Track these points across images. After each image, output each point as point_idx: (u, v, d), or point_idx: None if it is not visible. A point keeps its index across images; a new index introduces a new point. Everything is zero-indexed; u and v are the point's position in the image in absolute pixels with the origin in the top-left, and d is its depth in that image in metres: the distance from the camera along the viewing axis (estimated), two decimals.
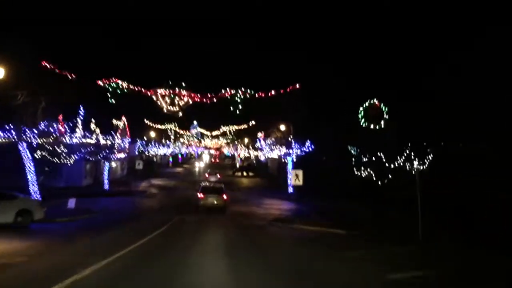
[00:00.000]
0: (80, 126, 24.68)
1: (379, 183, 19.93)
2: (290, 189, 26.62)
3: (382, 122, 19.17)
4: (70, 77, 18.66)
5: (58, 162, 22.44)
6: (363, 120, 19.27)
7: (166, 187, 34.21)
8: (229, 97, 20.21)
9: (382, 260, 9.57)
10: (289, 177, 27.67)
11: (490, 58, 20.87)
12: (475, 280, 7.97)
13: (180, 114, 21.02)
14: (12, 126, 15.79)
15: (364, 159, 20.22)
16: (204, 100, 20.54)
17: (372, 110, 19.13)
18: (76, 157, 24.23)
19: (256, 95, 20.76)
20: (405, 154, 18.11)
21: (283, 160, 33.09)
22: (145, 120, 45.92)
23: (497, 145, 19.80)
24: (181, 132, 64.70)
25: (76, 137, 24.10)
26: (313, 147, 26.26)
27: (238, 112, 20.64)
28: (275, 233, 14.85)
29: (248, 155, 62.66)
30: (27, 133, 16.17)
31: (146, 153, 49.56)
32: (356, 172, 21.12)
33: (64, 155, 22.44)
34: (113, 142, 30.96)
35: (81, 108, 23.14)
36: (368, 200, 20.46)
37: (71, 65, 23.07)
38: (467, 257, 10.40)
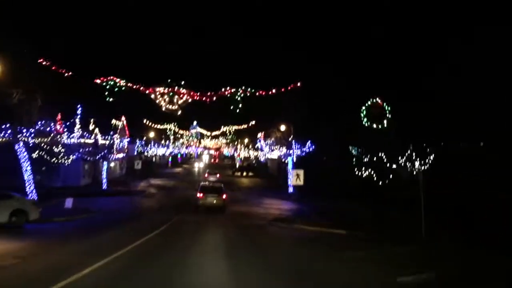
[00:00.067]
0: (78, 126, 24.51)
1: (380, 183, 19.81)
2: (290, 189, 26.51)
3: (385, 122, 19.01)
4: (67, 75, 18.42)
5: (56, 162, 22.27)
6: (365, 119, 19.13)
7: (165, 187, 34.07)
8: (229, 96, 20.00)
9: (383, 261, 9.47)
10: (289, 177, 27.57)
11: (490, 58, 20.84)
12: (475, 280, 7.95)
13: (179, 112, 20.78)
14: (8, 125, 15.60)
15: (365, 159, 20.08)
16: (204, 98, 20.34)
17: (375, 109, 18.99)
18: (74, 157, 24.08)
19: (257, 94, 20.56)
20: (406, 154, 17.98)
21: (283, 160, 32.99)
22: (144, 120, 45.77)
23: (497, 145, 19.75)
24: (181, 132, 64.53)
25: (74, 137, 23.93)
26: (313, 147, 26.16)
27: (238, 111, 20.43)
28: (275, 233, 14.75)
29: (248, 155, 62.53)
30: (23, 132, 15.98)
31: (145, 153, 49.41)
32: (356, 172, 20.99)
33: (62, 154, 22.28)
34: (112, 142, 30.83)
35: (79, 107, 22.97)
36: (369, 200, 20.38)
37: (69, 63, 22.93)
38: (467, 257, 10.37)
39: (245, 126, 50.80)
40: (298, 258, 9.86)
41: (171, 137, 62.30)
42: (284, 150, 29.48)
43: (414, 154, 18.03)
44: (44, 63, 17.54)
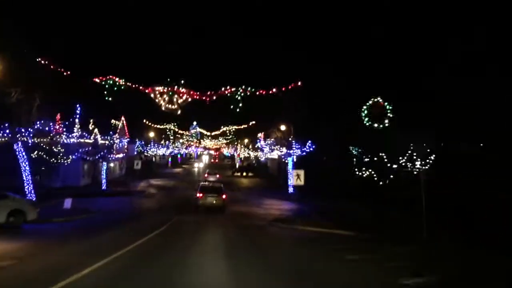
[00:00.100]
0: (78, 126, 24.44)
1: (381, 183, 19.74)
2: (291, 189, 26.43)
3: (386, 121, 18.91)
4: (66, 74, 18.29)
5: (55, 162, 22.20)
6: (366, 119, 19.02)
7: (165, 187, 34.01)
8: (229, 95, 19.85)
9: (384, 261, 9.39)
10: (290, 177, 27.51)
11: (490, 58, 20.80)
12: (476, 280, 7.93)
13: (179, 112, 20.61)
14: (6, 125, 15.50)
15: (366, 159, 20.01)
16: (204, 98, 20.19)
17: (376, 109, 18.89)
18: (74, 157, 24.02)
19: (257, 93, 20.41)
20: (407, 154, 17.92)
21: (283, 160, 32.91)
22: (144, 120, 45.70)
23: (497, 145, 19.71)
24: (181, 132, 64.48)
25: (73, 137, 23.86)
26: (313, 147, 26.08)
27: (238, 111, 20.27)
28: (276, 233, 14.69)
29: (248, 155, 62.48)
30: (22, 132, 15.90)
31: (145, 153, 49.35)
32: (357, 172, 20.91)
33: (61, 155, 22.22)
34: (112, 142, 30.76)
35: (78, 107, 22.90)
36: (369, 200, 20.33)
37: (68, 63, 22.82)
38: (468, 257, 10.39)
39: (245, 126, 50.70)
40: (298, 258, 9.80)
41: (171, 137, 62.24)
42: (284, 150, 29.40)
43: (415, 154, 17.99)
44: (43, 62, 17.38)
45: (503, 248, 10.58)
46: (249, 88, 20.28)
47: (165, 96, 20.16)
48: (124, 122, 39.44)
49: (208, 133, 67.57)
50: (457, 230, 13.76)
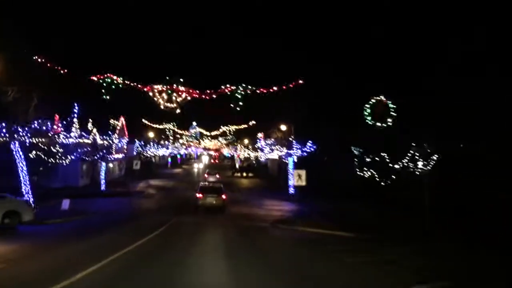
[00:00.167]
0: (77, 126, 24.21)
1: (382, 183, 19.54)
2: (291, 190, 26.22)
3: (389, 120, 18.68)
4: (63, 73, 18.02)
5: (54, 162, 21.96)
6: (369, 118, 18.78)
7: (165, 187, 33.84)
8: (229, 93, 19.58)
9: (385, 264, 9.19)
10: (290, 177, 27.29)
11: (490, 58, 20.67)
12: (476, 280, 7.92)
13: (178, 111, 20.35)
14: (3, 124, 15.26)
15: (367, 159, 19.80)
16: (203, 96, 19.92)
17: (379, 107, 18.65)
18: (73, 157, 23.80)
19: (257, 91, 20.16)
20: (409, 155, 17.73)
21: (283, 161, 32.70)
22: (143, 119, 45.50)
23: (497, 145, 19.59)
24: (180, 132, 64.26)
25: (72, 137, 23.63)
26: (314, 147, 25.87)
27: (238, 109, 20.00)
28: (276, 234, 14.51)
29: (248, 156, 62.30)
30: (19, 132, 15.65)
31: (145, 153, 49.15)
32: (358, 173, 20.71)
33: (60, 155, 21.98)
34: (111, 142, 30.55)
35: (76, 106, 22.64)
36: (371, 201, 20.17)
37: (67, 62, 22.60)
38: (467, 257, 10.37)
39: (245, 126, 50.51)
40: (299, 260, 9.64)
41: (171, 138, 62.04)
42: (284, 150, 29.20)
43: (417, 154, 17.80)
44: (40, 60, 17.13)
45: (504, 248, 10.59)
46: (249, 87, 20.00)
47: (164, 94, 19.90)
48: (124, 122, 39.23)
49: (208, 133, 67.33)
50: (457, 230, 13.75)
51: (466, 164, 18.72)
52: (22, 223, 12.40)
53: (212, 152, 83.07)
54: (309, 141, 26.17)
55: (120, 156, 36.42)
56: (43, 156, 20.98)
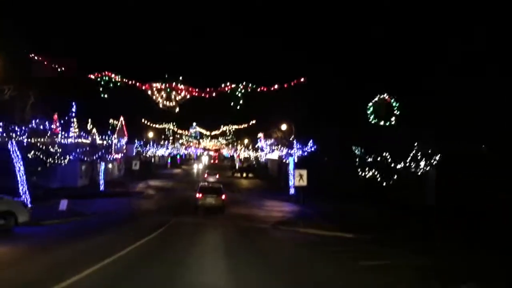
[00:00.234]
0: (76, 125, 23.99)
1: (384, 184, 19.35)
2: (292, 190, 26.02)
3: (393, 119, 18.48)
4: (60, 70, 17.77)
5: (52, 162, 21.75)
6: (372, 117, 18.57)
7: (164, 188, 33.65)
8: (229, 92, 19.32)
9: (387, 267, 9.01)
10: (291, 177, 27.08)
11: (490, 58, 20.57)
12: (476, 279, 7.89)
13: (177, 109, 20.10)
14: (0, 124, 15.04)
15: (369, 159, 19.61)
16: (203, 95, 19.64)
17: (382, 106, 18.45)
18: (71, 157, 23.60)
19: (258, 90, 19.90)
20: (411, 154, 17.56)
21: (284, 161, 32.52)
22: (142, 119, 45.31)
23: (497, 145, 19.51)
24: (180, 132, 64.03)
25: (70, 137, 23.41)
26: (315, 147, 25.68)
27: (238, 108, 19.74)
28: (277, 236, 14.30)
29: (248, 156, 62.11)
30: (16, 131, 15.43)
31: (144, 154, 48.95)
32: (360, 173, 20.51)
33: (58, 155, 21.78)
34: (110, 142, 30.36)
35: (74, 105, 22.42)
36: (373, 201, 19.98)
37: (67, 62, 22.34)
38: (467, 257, 10.37)
39: (245, 126, 50.30)
40: (301, 263, 9.47)
41: (170, 138, 61.85)
42: (285, 150, 29.01)
43: (419, 154, 17.63)
44: (36, 58, 16.90)
45: (504, 248, 10.66)
46: (250, 85, 19.74)
47: (163, 93, 19.66)
48: (123, 122, 39.03)
49: (208, 133, 67.09)
50: (457, 230, 13.76)
51: (466, 164, 18.64)
52: (18, 224, 12.16)
53: (211, 153, 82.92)
54: (310, 141, 25.98)
55: (119, 156, 36.19)
56: (41, 156, 20.78)
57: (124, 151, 39.57)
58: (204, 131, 68.04)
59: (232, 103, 19.79)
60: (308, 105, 28.08)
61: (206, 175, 40.14)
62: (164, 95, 19.53)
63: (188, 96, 19.95)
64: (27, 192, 16.21)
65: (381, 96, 18.50)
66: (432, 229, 12.89)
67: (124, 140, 37.78)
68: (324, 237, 13.77)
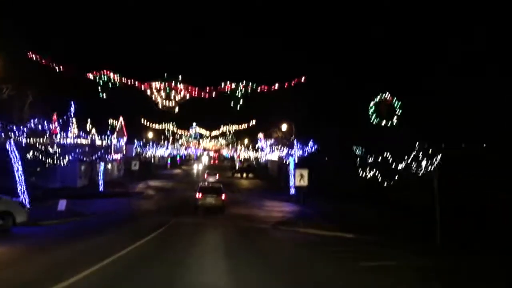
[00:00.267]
0: (75, 125, 23.89)
1: (385, 184, 19.26)
2: (292, 191, 25.91)
3: (395, 118, 18.38)
4: (58, 70, 17.63)
5: (51, 162, 21.66)
6: (374, 116, 18.46)
7: (164, 188, 33.55)
8: (229, 91, 19.16)
9: (390, 265, 8.90)
10: (291, 178, 26.97)
11: (490, 58, 20.55)
12: (476, 280, 7.92)
13: (177, 109, 19.95)
14: None
15: (370, 159, 19.52)
16: (203, 94, 19.50)
17: (384, 105, 18.34)
18: (70, 157, 23.51)
19: (258, 89, 19.74)
20: (412, 155, 17.48)
21: (284, 161, 32.43)
22: (142, 119, 45.21)
23: (497, 145, 19.50)
24: (180, 132, 63.90)
25: (70, 137, 23.31)
26: (315, 147, 25.60)
27: (238, 107, 19.58)
28: (278, 236, 14.20)
29: (248, 157, 62.02)
30: (14, 131, 15.32)
31: (144, 154, 48.84)
32: (361, 173, 20.41)
33: (58, 155, 21.69)
34: (109, 142, 30.26)
35: (72, 104, 22.30)
36: (374, 202, 19.88)
37: (66, 62, 22.28)
38: (468, 257, 10.32)
39: (245, 126, 50.21)
40: (301, 263, 9.35)
41: (170, 138, 61.75)
42: (285, 150, 28.92)
43: (421, 154, 17.55)
44: (34, 57, 16.76)
45: (504, 248, 10.65)
46: (250, 84, 19.59)
47: (162, 92, 19.51)
48: (123, 122, 38.93)
49: (208, 133, 66.95)
50: (457, 230, 13.63)
51: (466, 164, 18.62)
52: (16, 225, 12.05)
53: (211, 153, 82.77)
54: (311, 141, 25.89)
55: (118, 156, 36.07)
56: (40, 156, 20.70)
57: (124, 151, 39.46)
58: (204, 132, 67.89)
59: (232, 103, 19.61)
60: (308, 105, 28.02)
61: (206, 176, 40.06)
62: (164, 95, 19.37)
63: (187, 96, 19.79)
64: (25, 193, 16.11)
65: (383, 96, 18.38)
66: (432, 230, 12.79)
67: (123, 141, 37.66)
68: (324, 237, 13.68)
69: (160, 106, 19.15)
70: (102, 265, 7.51)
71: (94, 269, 7.13)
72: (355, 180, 21.78)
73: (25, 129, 15.79)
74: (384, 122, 18.52)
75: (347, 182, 23.12)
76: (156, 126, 50.22)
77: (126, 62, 38.60)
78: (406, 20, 28.17)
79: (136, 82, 18.97)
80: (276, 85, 20.26)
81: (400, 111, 19.13)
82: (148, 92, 18.84)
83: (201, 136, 72.22)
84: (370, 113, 18.52)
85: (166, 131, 58.20)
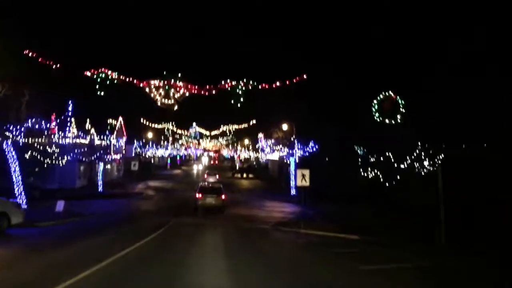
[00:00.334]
0: (74, 125, 23.67)
1: (387, 184, 19.06)
2: (293, 191, 25.72)
3: (399, 117, 18.17)
4: (54, 68, 17.37)
5: (50, 162, 21.44)
6: (377, 114, 18.24)
7: (164, 189, 33.38)
8: (229, 89, 18.92)
9: (403, 273, 8.68)
10: (292, 178, 26.77)
11: (490, 58, 20.40)
12: (478, 280, 7.91)
13: (176, 107, 19.70)
14: None
15: (371, 159, 19.31)
16: (202, 92, 19.26)
17: (388, 103, 18.11)
18: (69, 158, 23.31)
19: (259, 87, 19.52)
20: (414, 154, 17.27)
21: (284, 161, 32.23)
22: (141, 119, 45.00)
23: (497, 145, 19.35)
24: (179, 132, 63.69)
25: (68, 137, 23.09)
26: (316, 147, 25.39)
27: (239, 106, 19.34)
28: (278, 237, 14.03)
29: (248, 157, 61.85)
30: (11, 131, 15.09)
31: (144, 154, 48.65)
32: (362, 173, 20.20)
33: (56, 155, 21.48)
34: (109, 142, 30.07)
35: (70, 103, 22.06)
36: (375, 202, 19.70)
37: (65, 62, 22.03)
38: (464, 257, 10.31)
39: (246, 126, 50.01)
40: (302, 265, 9.17)
41: (170, 138, 61.56)
42: (285, 150, 28.74)
43: (423, 154, 17.34)
44: (30, 54, 16.52)
45: (505, 248, 10.66)
46: (251, 82, 19.35)
47: (161, 90, 19.26)
48: (122, 122, 38.74)
49: (208, 133, 66.71)
50: (457, 230, 13.50)
51: (467, 164, 18.45)
52: (12, 226, 11.82)
53: (211, 153, 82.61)
54: (312, 141, 25.70)
55: (118, 156, 35.88)
56: (38, 156, 20.49)
57: (123, 151, 39.28)
58: (204, 131, 67.66)
59: (232, 101, 19.36)
60: (309, 105, 27.85)
61: (206, 176, 39.92)
62: (163, 93, 19.12)
63: (187, 94, 19.52)
64: (22, 193, 15.91)
65: (387, 93, 18.15)
66: (435, 231, 12.68)
67: (123, 141, 37.48)
68: (326, 238, 13.52)
69: (159, 103, 18.92)
70: (101, 266, 7.39)
71: (93, 269, 7.02)
72: (356, 180, 21.58)
73: (22, 128, 15.53)
74: (387, 120, 18.30)
75: (348, 182, 22.93)
76: (156, 125, 50.06)
77: (125, 62, 38.42)
78: (406, 20, 28.05)
79: (135, 80, 18.72)
80: (277, 83, 19.97)
81: (403, 110, 18.92)
82: (147, 89, 18.57)
83: (201, 135, 72.03)
84: (373, 110, 18.28)
85: (166, 131, 57.99)
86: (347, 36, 34.32)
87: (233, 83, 18.90)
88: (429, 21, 25.53)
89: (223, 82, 19.06)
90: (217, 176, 38.86)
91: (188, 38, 60.18)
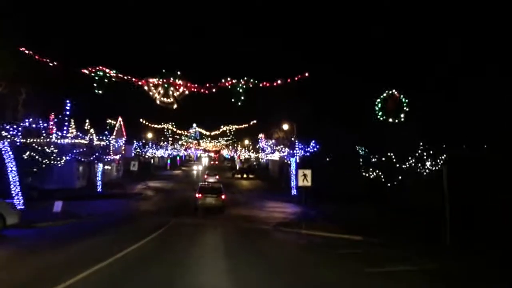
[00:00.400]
0: (72, 125, 23.46)
1: (388, 184, 18.85)
2: (294, 191, 25.52)
3: (402, 115, 17.95)
4: (52, 65, 17.13)
5: (48, 163, 21.21)
6: (380, 113, 18.01)
7: (163, 189, 33.25)
8: (230, 87, 18.66)
9: (415, 277, 8.50)
10: (292, 178, 26.57)
11: (490, 58, 20.30)
12: (479, 280, 7.91)
13: (175, 106, 19.42)
14: None
15: (373, 159, 19.09)
16: (202, 90, 19.02)
17: (391, 102, 17.88)
18: (68, 158, 23.09)
19: (260, 85, 19.27)
20: (416, 155, 17.07)
21: (285, 162, 32.05)
22: (141, 119, 44.81)
23: (498, 145, 19.20)
24: (180, 132, 63.54)
25: (67, 137, 22.87)
26: (317, 147, 25.19)
27: (239, 105, 19.07)
28: (279, 238, 13.84)
29: (248, 157, 61.70)
30: (8, 130, 14.85)
31: (143, 155, 48.47)
32: (364, 173, 19.99)
33: (55, 155, 21.25)
34: (108, 142, 29.87)
35: (68, 102, 21.83)
36: (377, 202, 19.52)
37: (65, 62, 21.79)
38: (469, 257, 10.27)
39: (246, 126, 49.81)
40: (305, 267, 9.01)
41: (170, 138, 61.43)
42: (286, 150, 28.54)
43: (425, 154, 17.15)
44: (27, 51, 16.27)
45: (505, 248, 10.70)
46: (251, 80, 19.11)
47: (160, 88, 18.99)
48: (121, 122, 38.55)
49: (208, 133, 66.53)
50: (457, 230, 13.33)
51: (468, 164, 18.30)
52: (7, 227, 11.60)
53: (211, 154, 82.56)
54: (313, 141, 25.51)
55: (117, 157, 35.69)
56: (37, 156, 20.26)
57: (123, 152, 39.09)
58: (204, 131, 67.47)
59: (232, 100, 19.10)
60: (310, 105, 27.66)
61: (206, 176, 39.80)
62: (162, 91, 18.84)
63: (186, 92, 19.25)
64: (19, 194, 15.69)
65: (390, 92, 17.93)
66: (438, 231, 12.53)
67: (122, 141, 37.29)
68: (328, 239, 13.34)
69: (158, 102, 18.62)
70: (101, 266, 7.32)
71: (93, 269, 6.97)
72: (358, 181, 21.37)
73: (19, 128, 15.30)
74: (391, 119, 18.09)
75: (350, 182, 22.74)
76: (155, 125, 49.87)
77: (125, 62, 38.27)
78: (406, 20, 27.95)
79: (133, 79, 18.46)
80: (279, 81, 19.69)
81: (407, 109, 18.73)
82: (146, 88, 18.27)
83: (201, 136, 71.88)
84: (376, 109, 18.05)
85: (165, 131, 57.82)
86: (347, 36, 34.24)
87: (234, 81, 18.65)
88: (429, 21, 25.42)
89: (223, 81, 18.82)
90: (217, 177, 38.77)
91: (188, 38, 60.08)
